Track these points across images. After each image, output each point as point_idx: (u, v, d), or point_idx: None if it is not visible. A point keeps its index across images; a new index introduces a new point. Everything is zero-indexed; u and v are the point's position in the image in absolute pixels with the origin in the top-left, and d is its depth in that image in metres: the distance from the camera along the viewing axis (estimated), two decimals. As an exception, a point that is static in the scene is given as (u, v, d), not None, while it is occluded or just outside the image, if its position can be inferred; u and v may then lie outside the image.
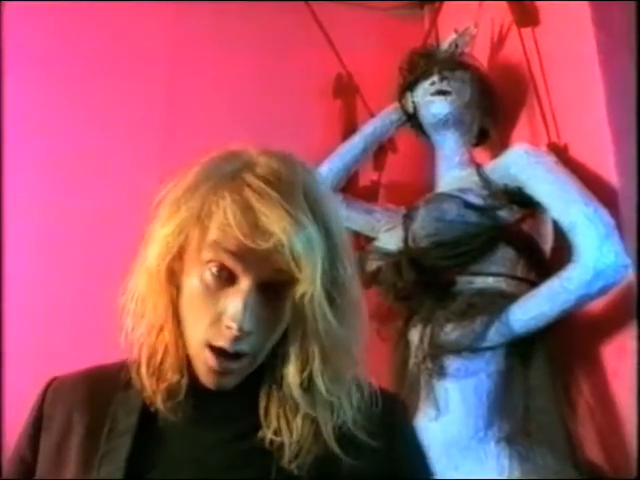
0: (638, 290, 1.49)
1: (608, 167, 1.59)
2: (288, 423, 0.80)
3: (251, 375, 0.82)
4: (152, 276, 0.82)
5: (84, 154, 2.00)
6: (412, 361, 1.69)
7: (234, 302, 0.77)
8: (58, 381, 0.88)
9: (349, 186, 2.02)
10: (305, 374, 0.80)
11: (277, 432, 0.80)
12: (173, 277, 0.82)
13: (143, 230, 0.84)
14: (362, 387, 0.84)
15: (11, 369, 1.67)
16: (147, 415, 0.82)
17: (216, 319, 0.78)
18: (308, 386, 0.81)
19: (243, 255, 0.76)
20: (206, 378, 0.80)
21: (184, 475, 0.79)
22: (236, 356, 0.78)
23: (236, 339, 0.77)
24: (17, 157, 1.90)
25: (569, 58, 1.77)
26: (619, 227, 1.50)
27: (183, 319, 0.81)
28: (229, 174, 0.79)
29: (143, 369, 0.82)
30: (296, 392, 0.80)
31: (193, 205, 0.79)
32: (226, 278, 0.78)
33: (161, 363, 0.83)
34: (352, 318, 0.83)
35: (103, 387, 0.86)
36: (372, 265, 1.78)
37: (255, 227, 0.75)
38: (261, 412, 0.82)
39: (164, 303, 0.82)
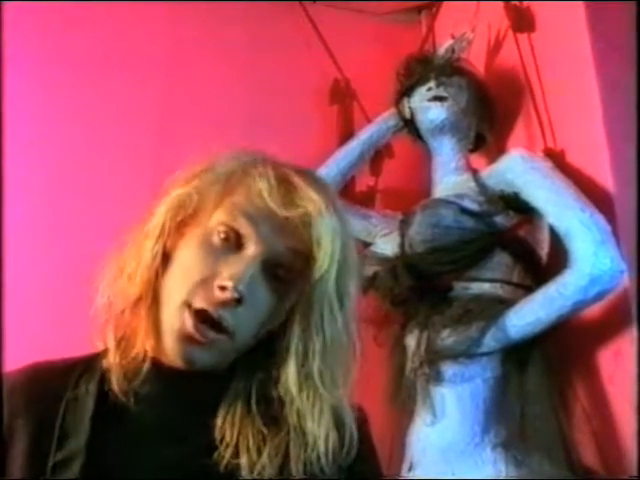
0: (638, 295, 1.49)
1: (604, 173, 1.59)
2: (248, 446, 0.73)
3: (217, 385, 0.77)
4: (153, 238, 0.78)
5: (80, 154, 1.99)
6: (409, 366, 1.69)
7: (235, 264, 0.73)
8: None
9: (345, 191, 2.01)
10: (303, 373, 0.76)
11: (234, 454, 0.73)
12: (164, 256, 0.78)
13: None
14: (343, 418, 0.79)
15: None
16: (102, 414, 0.75)
17: (206, 280, 0.74)
18: (301, 388, 0.76)
19: (260, 223, 0.75)
20: (176, 348, 0.74)
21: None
22: (216, 325, 0.73)
23: (225, 303, 0.72)
24: (14, 157, 1.90)
25: (565, 63, 1.77)
26: (615, 233, 1.50)
27: (165, 289, 0.77)
28: (265, 157, 0.80)
29: (110, 338, 0.77)
30: (293, 390, 0.76)
31: (223, 171, 0.79)
32: (233, 245, 0.75)
33: (128, 339, 0.78)
34: (351, 331, 0.80)
35: (49, 387, 0.78)
36: (369, 270, 1.78)
37: (287, 197, 0.75)
38: (216, 430, 0.75)
39: (149, 276, 0.77)
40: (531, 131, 1.88)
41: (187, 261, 0.77)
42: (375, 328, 1.76)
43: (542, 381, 1.55)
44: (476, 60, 2.04)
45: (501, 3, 1.95)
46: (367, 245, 1.93)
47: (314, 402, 0.76)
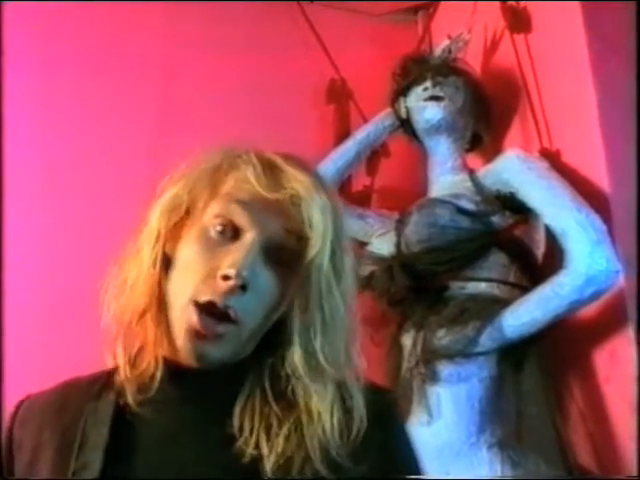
0: (637, 295, 1.49)
1: (600, 173, 1.59)
2: (268, 437, 0.74)
3: (233, 379, 0.78)
4: (149, 245, 0.78)
5: (78, 152, 1.99)
6: (405, 366, 1.69)
7: (235, 252, 0.74)
8: (29, 401, 0.84)
9: (342, 191, 2.01)
10: (306, 350, 0.76)
11: (256, 446, 0.73)
12: (163, 260, 0.78)
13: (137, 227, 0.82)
14: (351, 393, 0.79)
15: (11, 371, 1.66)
16: (120, 424, 0.77)
17: (208, 274, 0.74)
18: (310, 368, 0.76)
19: (253, 208, 0.75)
20: (187, 346, 0.74)
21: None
22: (223, 317, 0.73)
23: (230, 291, 0.72)
24: (14, 157, 1.89)
25: (561, 64, 1.77)
26: (611, 233, 1.50)
27: (171, 293, 0.77)
28: (248, 148, 0.81)
29: (119, 353, 0.78)
30: (299, 367, 0.76)
31: (207, 167, 0.79)
32: (230, 236, 0.76)
33: (138, 351, 0.79)
34: (350, 306, 0.80)
35: (73, 401, 0.81)
36: (365, 270, 1.78)
37: (274, 180, 0.76)
38: (235, 424, 0.75)
39: (152, 285, 0.77)
40: (527, 131, 1.88)
41: (188, 260, 0.77)
42: (372, 328, 1.76)
43: (538, 381, 1.55)
44: (472, 60, 2.05)
45: (498, 3, 1.95)
46: (363, 245, 1.94)
47: (317, 377, 0.77)
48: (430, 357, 1.62)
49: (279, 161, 0.79)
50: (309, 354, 0.77)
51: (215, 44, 2.21)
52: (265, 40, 2.26)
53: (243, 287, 0.73)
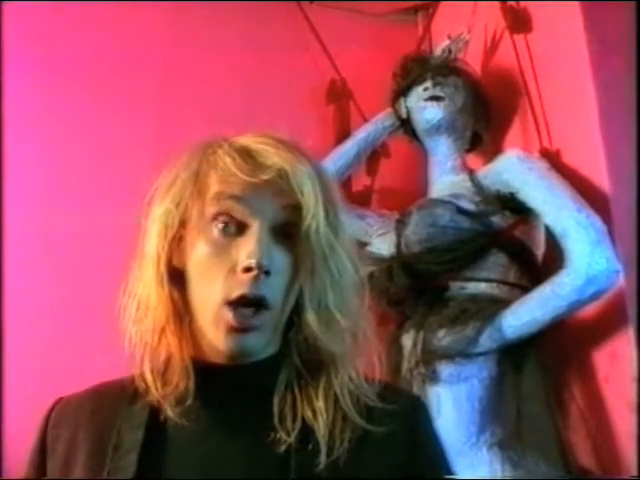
0: (637, 296, 1.49)
1: (600, 173, 1.59)
2: (315, 415, 0.77)
3: (268, 372, 0.79)
4: (152, 267, 0.79)
5: (77, 152, 1.99)
6: (405, 366, 1.69)
7: (247, 244, 0.75)
8: (62, 402, 0.85)
9: (342, 191, 2.01)
10: (320, 308, 0.78)
11: (305, 432, 0.75)
12: (174, 274, 0.79)
13: (138, 232, 0.82)
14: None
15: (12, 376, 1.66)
16: (154, 427, 0.78)
17: (230, 272, 0.75)
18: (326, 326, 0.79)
19: (248, 198, 0.76)
20: (226, 343, 0.75)
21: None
22: (256, 307, 0.74)
23: (255, 279, 0.74)
24: (13, 157, 1.89)
25: (561, 64, 1.77)
26: (611, 233, 1.50)
27: (195, 303, 0.78)
28: (219, 141, 0.82)
29: (148, 376, 0.79)
30: (315, 326, 0.78)
31: (188, 175, 0.80)
32: (234, 231, 0.77)
33: (165, 368, 0.80)
34: (353, 258, 0.82)
35: (107, 403, 0.83)
36: (364, 270, 1.78)
37: (255, 164, 0.77)
38: (275, 416, 0.77)
39: (164, 303, 0.79)
40: (527, 131, 1.88)
41: (202, 266, 0.78)
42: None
43: (538, 381, 1.55)
44: (472, 60, 2.04)
45: (498, 4, 1.95)
46: (363, 245, 1.93)
47: (335, 333, 0.79)
48: (430, 357, 1.62)
49: (253, 145, 0.80)
50: (323, 311, 0.79)
51: (215, 44, 2.21)
52: (265, 40, 2.26)
53: (267, 273, 0.74)
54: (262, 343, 0.78)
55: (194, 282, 0.79)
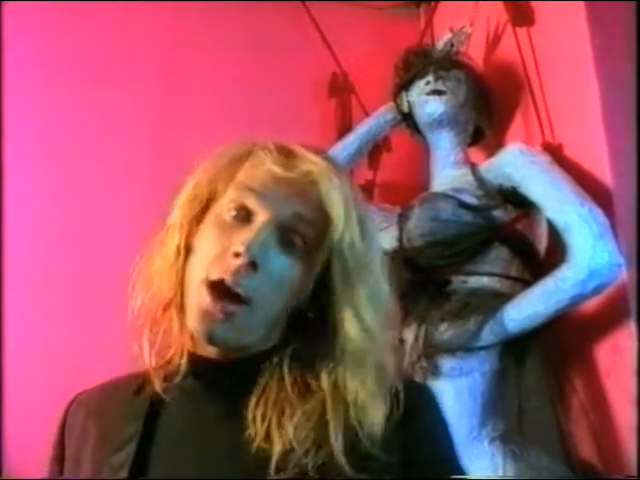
0: (638, 289, 1.49)
1: (602, 167, 1.59)
2: (279, 425, 0.73)
3: (253, 370, 0.78)
4: (172, 236, 0.80)
5: (78, 152, 1.99)
6: (407, 360, 1.69)
7: (247, 232, 0.75)
8: (81, 395, 0.89)
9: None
10: (359, 323, 0.77)
11: (266, 436, 0.73)
12: (187, 251, 0.80)
13: (140, 232, 0.82)
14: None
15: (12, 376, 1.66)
16: (153, 417, 0.79)
17: (221, 254, 0.75)
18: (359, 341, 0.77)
19: (266, 193, 0.77)
20: (199, 328, 0.75)
21: (189, 475, 0.75)
22: (233, 297, 0.73)
23: (240, 269, 0.73)
24: (13, 156, 1.89)
25: (564, 57, 1.77)
26: (613, 227, 1.50)
27: (187, 278, 0.78)
28: (269, 143, 0.83)
29: (144, 345, 0.80)
30: (359, 342, 0.76)
31: (229, 159, 0.82)
32: (243, 218, 0.77)
33: (164, 341, 0.81)
34: (386, 278, 0.84)
35: (115, 395, 0.85)
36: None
37: (288, 161, 0.79)
38: (249, 416, 0.75)
39: (176, 275, 0.79)
40: (529, 125, 1.88)
41: (203, 245, 0.79)
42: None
43: (540, 375, 1.55)
44: (475, 54, 2.04)
45: (500, -3, 1.95)
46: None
47: (360, 360, 0.77)
48: (432, 351, 1.62)
49: (295, 147, 0.82)
50: (363, 331, 0.77)
51: (216, 39, 2.21)
52: (267, 34, 2.26)
53: (253, 265, 0.74)
54: (232, 336, 0.75)
55: (192, 258, 0.79)
